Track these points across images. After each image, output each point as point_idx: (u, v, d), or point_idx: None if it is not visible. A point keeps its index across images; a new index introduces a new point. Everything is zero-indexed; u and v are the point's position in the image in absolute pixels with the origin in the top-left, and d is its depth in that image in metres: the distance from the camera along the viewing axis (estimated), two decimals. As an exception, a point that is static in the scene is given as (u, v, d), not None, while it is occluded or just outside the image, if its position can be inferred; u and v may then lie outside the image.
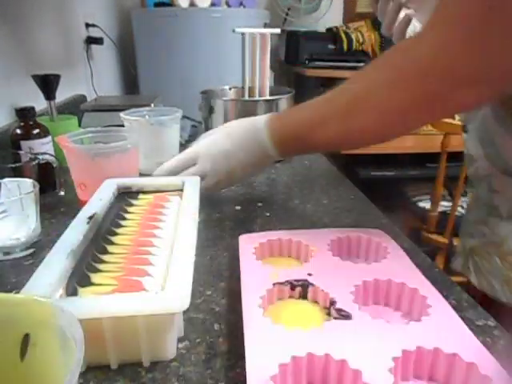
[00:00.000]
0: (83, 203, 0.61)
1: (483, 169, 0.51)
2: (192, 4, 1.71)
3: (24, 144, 0.68)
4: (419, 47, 0.40)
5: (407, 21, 0.57)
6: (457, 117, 1.13)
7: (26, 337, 0.25)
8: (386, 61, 0.45)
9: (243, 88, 0.91)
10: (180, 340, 0.37)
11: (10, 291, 0.43)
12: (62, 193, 0.67)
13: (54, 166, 0.64)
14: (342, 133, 0.49)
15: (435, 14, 0.40)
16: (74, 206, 0.62)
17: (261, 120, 0.56)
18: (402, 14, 0.57)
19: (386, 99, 0.43)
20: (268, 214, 0.62)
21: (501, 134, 0.47)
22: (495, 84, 0.38)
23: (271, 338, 0.32)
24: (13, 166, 0.60)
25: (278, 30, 0.90)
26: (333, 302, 0.37)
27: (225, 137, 0.58)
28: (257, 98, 0.90)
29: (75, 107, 1.05)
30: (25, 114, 0.69)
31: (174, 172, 0.59)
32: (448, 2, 0.38)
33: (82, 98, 1.23)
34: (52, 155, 0.67)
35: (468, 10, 0.36)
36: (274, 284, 0.39)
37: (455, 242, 1.44)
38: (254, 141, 0.55)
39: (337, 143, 0.54)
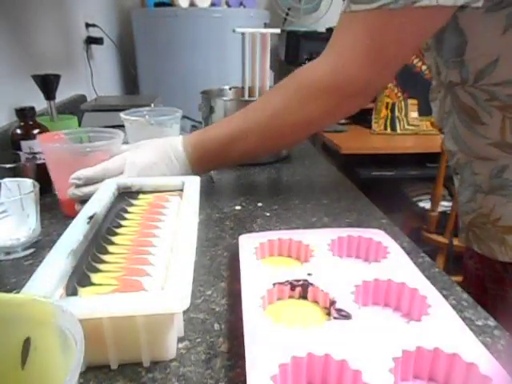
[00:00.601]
0: (62, 202, 0.61)
1: (463, 158, 0.60)
2: (192, 4, 1.71)
3: (24, 144, 0.68)
4: (321, 69, 0.54)
5: None
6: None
7: (27, 342, 0.25)
8: (295, 81, 0.58)
9: (243, 88, 0.91)
10: (180, 340, 0.37)
11: (10, 291, 0.43)
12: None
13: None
14: (259, 143, 0.61)
15: (332, 43, 0.53)
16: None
17: (179, 140, 0.63)
18: None
19: (298, 113, 0.56)
20: (268, 214, 0.62)
21: (467, 134, 0.57)
22: (371, 96, 0.56)
23: (271, 337, 0.32)
24: (12, 166, 0.60)
25: (278, 30, 0.90)
26: (333, 302, 0.37)
27: (150, 150, 0.62)
28: (257, 97, 0.90)
29: (75, 107, 1.05)
30: (25, 114, 0.69)
31: (98, 178, 0.57)
32: (341, 32, 0.52)
33: (82, 98, 1.23)
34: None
35: (356, 42, 0.50)
36: (274, 284, 0.39)
37: (455, 241, 1.44)
38: (174, 158, 0.62)
39: (252, 154, 0.66)
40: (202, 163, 0.63)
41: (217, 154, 0.62)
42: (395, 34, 0.49)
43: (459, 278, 0.69)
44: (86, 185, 0.56)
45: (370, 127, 1.90)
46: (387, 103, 1.87)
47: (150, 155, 0.61)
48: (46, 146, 0.60)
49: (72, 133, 0.65)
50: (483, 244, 0.59)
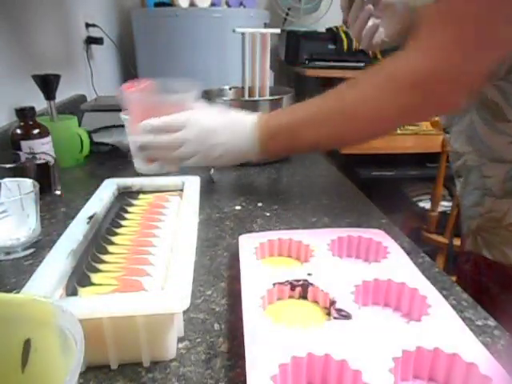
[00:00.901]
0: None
1: (472, 160, 0.58)
2: (192, 4, 1.71)
3: (24, 144, 0.68)
4: (414, 58, 0.48)
5: (375, 28, 0.63)
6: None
7: (27, 343, 0.25)
8: (382, 71, 0.51)
9: (243, 88, 0.91)
10: (180, 340, 0.37)
11: (10, 291, 0.43)
12: (58, 192, 0.67)
13: (50, 164, 0.64)
14: (334, 132, 0.55)
15: (421, 34, 0.47)
16: (73, 205, 0.62)
17: (254, 116, 0.59)
18: (370, 23, 0.63)
19: (381, 107, 0.50)
20: (268, 214, 0.62)
21: (486, 132, 0.54)
22: (466, 91, 0.48)
23: (271, 337, 0.32)
24: (12, 166, 0.60)
25: (278, 30, 0.90)
26: (333, 302, 0.37)
27: (220, 114, 0.59)
28: (257, 97, 0.90)
29: (75, 107, 1.05)
30: (25, 114, 0.69)
31: (158, 131, 0.58)
32: (429, 23, 0.47)
33: (82, 98, 1.23)
34: (49, 154, 0.67)
35: (447, 32, 0.45)
36: (274, 284, 0.39)
37: (455, 241, 1.44)
38: (243, 132, 0.58)
39: (321, 144, 0.60)
40: (269, 144, 0.58)
41: (288, 137, 0.57)
42: (492, 20, 0.43)
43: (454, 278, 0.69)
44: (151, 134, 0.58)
45: (370, 127, 1.89)
46: (387, 103, 1.86)
47: (218, 119, 0.59)
48: (127, 95, 0.60)
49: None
50: (495, 249, 0.57)
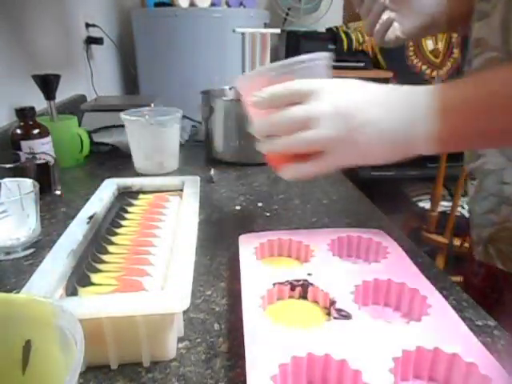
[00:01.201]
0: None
1: (492, 163, 0.51)
2: (192, 4, 1.71)
3: (24, 144, 0.68)
4: None
5: (389, 23, 0.59)
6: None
7: (28, 344, 0.25)
8: None
9: (243, 88, 0.90)
10: (180, 340, 0.37)
11: (9, 291, 0.43)
12: (58, 192, 0.67)
13: (50, 164, 0.64)
14: None
15: None
16: (73, 205, 0.62)
17: (418, 86, 0.40)
18: (384, 16, 0.59)
19: None
20: (268, 214, 0.62)
21: None
22: None
23: (271, 337, 0.32)
24: (12, 166, 0.61)
25: (278, 30, 0.90)
26: (333, 302, 0.37)
27: (364, 85, 0.41)
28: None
29: (75, 107, 1.05)
30: (25, 114, 0.69)
31: (280, 99, 0.41)
32: None
33: (82, 98, 1.23)
34: (49, 154, 0.67)
35: None
36: (274, 284, 0.39)
37: (455, 241, 1.44)
38: (407, 103, 0.38)
39: None
40: (453, 123, 0.37)
41: (484, 117, 0.37)
42: None
43: (459, 278, 0.69)
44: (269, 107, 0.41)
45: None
46: (387, 103, 1.86)
47: (362, 90, 0.41)
48: (239, 79, 0.45)
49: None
50: (509, 261, 0.52)
